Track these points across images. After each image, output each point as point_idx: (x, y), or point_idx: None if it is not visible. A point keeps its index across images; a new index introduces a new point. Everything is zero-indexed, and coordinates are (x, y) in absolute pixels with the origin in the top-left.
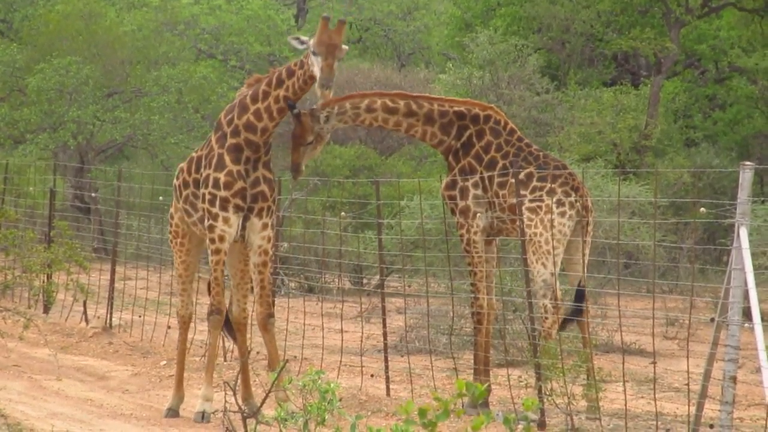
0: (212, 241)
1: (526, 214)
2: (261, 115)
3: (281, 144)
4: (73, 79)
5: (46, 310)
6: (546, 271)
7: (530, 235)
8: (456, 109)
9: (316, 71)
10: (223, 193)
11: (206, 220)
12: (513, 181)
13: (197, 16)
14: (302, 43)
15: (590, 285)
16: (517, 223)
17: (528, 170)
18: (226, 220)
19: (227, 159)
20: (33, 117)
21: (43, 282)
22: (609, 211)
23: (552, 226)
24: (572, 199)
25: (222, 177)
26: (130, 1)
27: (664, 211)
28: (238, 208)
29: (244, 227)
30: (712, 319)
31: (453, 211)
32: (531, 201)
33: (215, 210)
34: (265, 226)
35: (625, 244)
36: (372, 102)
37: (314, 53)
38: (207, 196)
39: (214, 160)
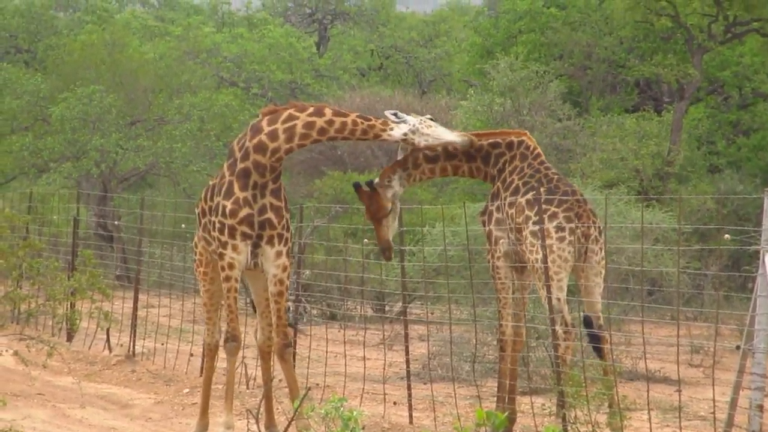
0: (222, 268)
1: (529, 238)
2: (277, 135)
3: (302, 171)
4: (97, 107)
5: (70, 338)
6: (552, 297)
7: (532, 261)
8: (490, 141)
9: (450, 137)
10: (229, 221)
11: (217, 248)
12: (519, 201)
13: (219, 45)
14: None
15: (614, 312)
16: (524, 245)
17: (536, 192)
18: (234, 248)
19: (236, 186)
20: (57, 146)
21: (67, 310)
22: (632, 238)
23: (552, 251)
24: (573, 225)
25: (229, 204)
26: (153, 30)
27: (688, 237)
28: (245, 236)
29: (256, 255)
30: (738, 347)
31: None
32: (533, 224)
33: (224, 238)
34: (278, 255)
35: (648, 271)
36: (415, 158)
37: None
38: (217, 224)
39: (224, 187)
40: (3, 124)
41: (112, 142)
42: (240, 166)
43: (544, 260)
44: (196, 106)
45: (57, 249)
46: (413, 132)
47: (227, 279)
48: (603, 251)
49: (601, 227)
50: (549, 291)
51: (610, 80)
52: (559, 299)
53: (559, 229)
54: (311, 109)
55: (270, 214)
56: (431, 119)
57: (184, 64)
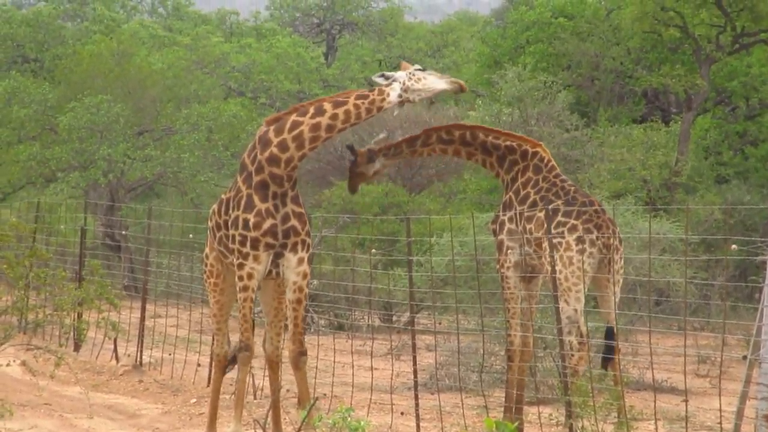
0: (240, 278)
1: (548, 250)
2: (287, 145)
3: (311, 181)
4: (104, 117)
5: (77, 348)
6: (569, 308)
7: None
8: (507, 143)
9: (441, 85)
10: (253, 233)
11: (236, 259)
12: (538, 215)
13: (227, 55)
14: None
15: (621, 322)
16: (543, 258)
17: (554, 205)
18: (256, 258)
19: (255, 198)
20: (64, 155)
21: (74, 320)
22: (640, 248)
23: (571, 263)
24: (593, 236)
25: (251, 218)
26: (161, 40)
27: (695, 248)
28: (268, 246)
29: (277, 264)
30: (745, 357)
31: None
32: (553, 237)
33: (246, 249)
34: (300, 261)
35: (656, 281)
36: (427, 137)
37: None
38: (237, 237)
39: (243, 201)
40: (10, 133)
41: (119, 151)
42: (256, 178)
43: (553, 271)
44: (204, 116)
45: (64, 259)
46: (405, 90)
47: (245, 289)
48: (622, 260)
49: (621, 236)
50: (556, 301)
51: (617, 90)
52: (576, 310)
53: (580, 241)
54: (312, 110)
55: (294, 221)
56: (420, 69)
57: (192, 74)
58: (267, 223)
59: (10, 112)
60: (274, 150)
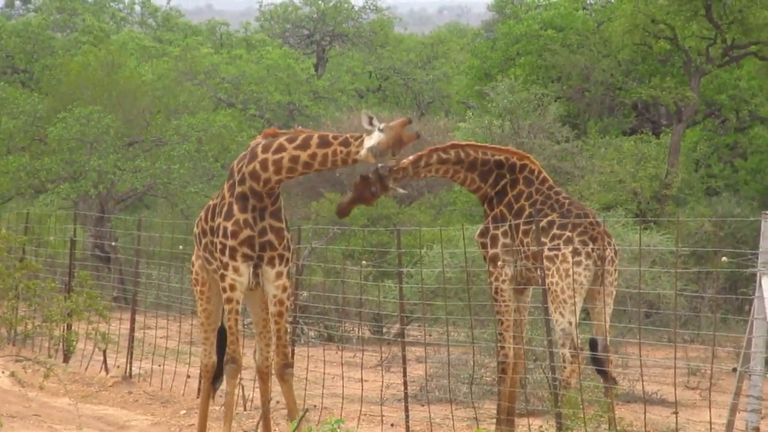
0: (224, 290)
1: (544, 262)
2: (267, 166)
3: (300, 193)
4: (94, 128)
5: (66, 359)
6: (564, 320)
7: (548, 284)
8: (496, 158)
9: (372, 144)
10: (230, 242)
11: (218, 269)
12: (534, 228)
13: (217, 66)
14: (371, 123)
15: (611, 334)
16: (539, 271)
17: (550, 218)
18: (235, 269)
19: (235, 208)
20: (54, 166)
21: (63, 331)
22: (630, 261)
23: (567, 275)
24: (589, 248)
25: (229, 226)
26: (151, 51)
27: (686, 260)
28: (246, 257)
29: (258, 275)
30: (735, 369)
31: (485, 258)
32: (549, 250)
33: (225, 259)
34: (278, 276)
35: (646, 293)
36: (429, 158)
37: (380, 130)
38: (218, 245)
39: (225, 209)
40: (0, 144)
41: (109, 162)
42: (238, 189)
43: (542, 282)
44: (194, 127)
45: (54, 270)
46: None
47: (229, 300)
48: (617, 272)
49: (617, 248)
50: (547, 313)
51: (608, 102)
52: (570, 323)
53: (576, 253)
54: (299, 141)
55: (271, 236)
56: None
57: (182, 84)
58: (244, 233)
59: None
60: (257, 166)
